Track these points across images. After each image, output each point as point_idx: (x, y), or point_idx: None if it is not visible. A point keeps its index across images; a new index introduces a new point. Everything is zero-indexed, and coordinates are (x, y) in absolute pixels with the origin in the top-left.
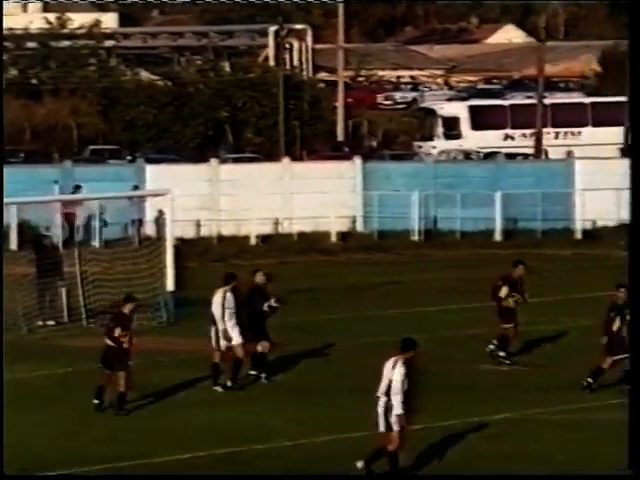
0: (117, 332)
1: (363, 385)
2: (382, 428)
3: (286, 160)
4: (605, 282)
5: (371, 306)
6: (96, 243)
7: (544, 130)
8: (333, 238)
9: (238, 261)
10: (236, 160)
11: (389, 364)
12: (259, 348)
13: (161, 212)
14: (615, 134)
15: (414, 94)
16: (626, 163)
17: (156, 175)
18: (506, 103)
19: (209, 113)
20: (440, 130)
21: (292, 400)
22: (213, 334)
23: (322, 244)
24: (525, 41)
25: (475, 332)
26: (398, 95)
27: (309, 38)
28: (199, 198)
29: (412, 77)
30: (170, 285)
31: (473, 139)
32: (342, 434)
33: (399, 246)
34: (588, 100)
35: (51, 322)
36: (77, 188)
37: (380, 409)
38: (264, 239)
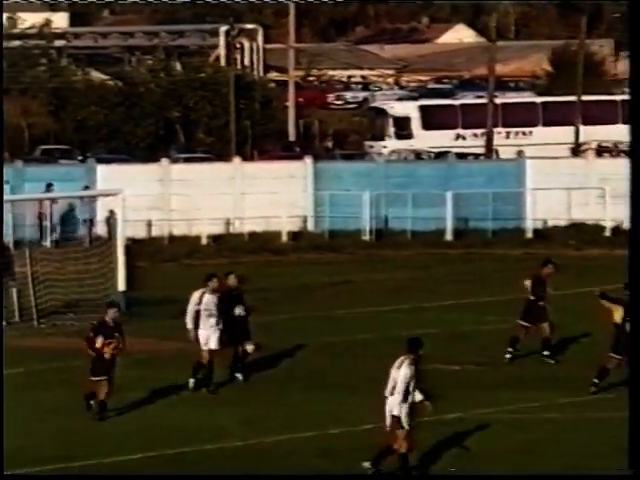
0: (99, 341)
1: (314, 384)
2: (389, 428)
3: (237, 160)
4: (555, 281)
5: (322, 306)
6: (47, 243)
7: (495, 130)
8: (284, 238)
9: (189, 261)
10: (187, 160)
11: (396, 364)
12: (248, 348)
13: (112, 212)
14: (566, 133)
15: (365, 94)
16: (576, 162)
17: (107, 175)
18: (457, 103)
19: (160, 113)
20: (391, 130)
21: (243, 400)
22: (194, 334)
23: (273, 244)
24: (476, 41)
25: (426, 331)
26: (349, 95)
27: (260, 38)
28: (150, 198)
29: (363, 77)
30: (121, 285)
31: (424, 139)
32: (293, 434)
33: (350, 246)
34: (539, 100)
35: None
36: (49, 186)
37: (387, 408)
38: (215, 239)
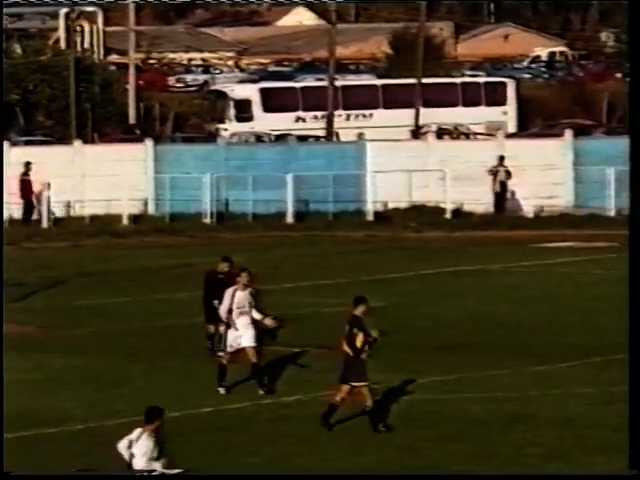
0: (359, 340)
1: (156, 367)
2: None
3: (78, 143)
4: (396, 264)
5: (163, 289)
6: None
7: (335, 112)
8: (125, 221)
9: (30, 244)
10: (27, 143)
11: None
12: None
13: None
14: (406, 116)
15: (206, 76)
16: (416, 144)
17: None
18: (297, 85)
19: None
20: (231, 112)
21: (84, 384)
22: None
23: (114, 227)
24: (316, 23)
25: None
26: (189, 77)
27: (100, 20)
28: None
29: (203, 60)
30: None
31: (264, 121)
32: (135, 417)
33: (191, 229)
34: (379, 82)
35: None
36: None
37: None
38: (56, 222)
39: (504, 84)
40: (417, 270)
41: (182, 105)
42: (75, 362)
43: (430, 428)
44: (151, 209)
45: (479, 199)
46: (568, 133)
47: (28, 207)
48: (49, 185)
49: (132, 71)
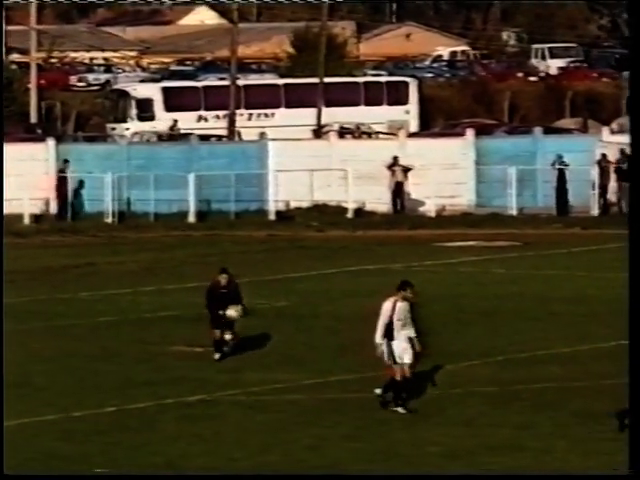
0: None
1: (56, 366)
2: None
3: None
4: (298, 263)
5: (65, 288)
6: None
7: (237, 111)
8: (26, 220)
9: None
10: None
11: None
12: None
13: None
14: (308, 115)
15: (107, 76)
16: (318, 144)
17: None
18: (199, 85)
19: None
20: (133, 112)
21: None
22: (385, 348)
23: (15, 226)
24: (218, 23)
25: (169, 314)
26: (91, 77)
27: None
28: None
29: (105, 59)
30: None
31: (167, 121)
32: (36, 417)
33: (93, 228)
34: (281, 81)
35: None
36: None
37: None
38: None
39: (406, 83)
40: (319, 269)
41: (84, 104)
42: None
43: (333, 428)
44: (53, 209)
45: (381, 198)
46: (470, 132)
47: None
48: None
49: (34, 70)
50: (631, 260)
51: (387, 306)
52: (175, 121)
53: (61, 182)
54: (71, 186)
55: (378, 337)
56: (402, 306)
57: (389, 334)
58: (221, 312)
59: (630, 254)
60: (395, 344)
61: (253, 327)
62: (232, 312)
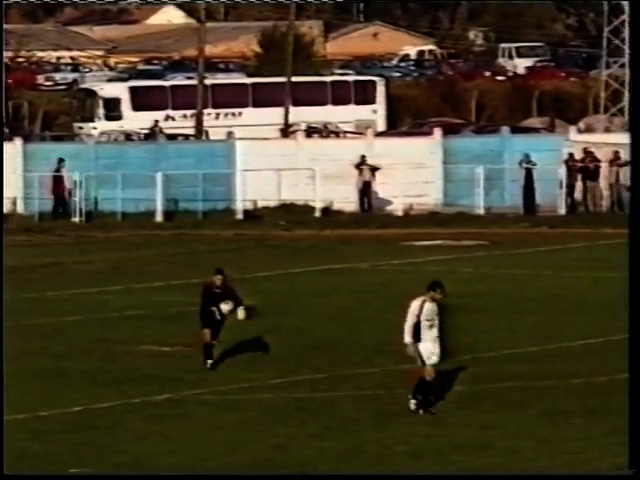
0: None
1: (23, 366)
2: None
3: None
4: (266, 262)
5: (32, 288)
6: None
7: (205, 111)
8: None
9: None
10: None
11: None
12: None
13: None
14: (275, 115)
15: (75, 75)
16: (286, 143)
17: None
18: (167, 84)
19: None
20: (101, 111)
21: None
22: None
23: None
24: (185, 22)
25: (136, 313)
26: (58, 76)
27: None
28: None
29: (72, 58)
30: None
31: (134, 120)
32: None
33: (60, 227)
34: (248, 81)
35: None
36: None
37: None
38: None
39: (373, 83)
40: (286, 269)
41: (51, 104)
42: None
43: (299, 427)
44: (20, 208)
45: (348, 198)
46: (437, 131)
47: None
48: None
49: (1, 69)
50: (631, 260)
51: (415, 305)
52: (156, 121)
53: (57, 181)
54: (68, 185)
55: (407, 337)
56: (430, 307)
57: (416, 335)
58: (214, 308)
59: (630, 254)
60: (422, 345)
61: (225, 327)
62: (225, 306)
